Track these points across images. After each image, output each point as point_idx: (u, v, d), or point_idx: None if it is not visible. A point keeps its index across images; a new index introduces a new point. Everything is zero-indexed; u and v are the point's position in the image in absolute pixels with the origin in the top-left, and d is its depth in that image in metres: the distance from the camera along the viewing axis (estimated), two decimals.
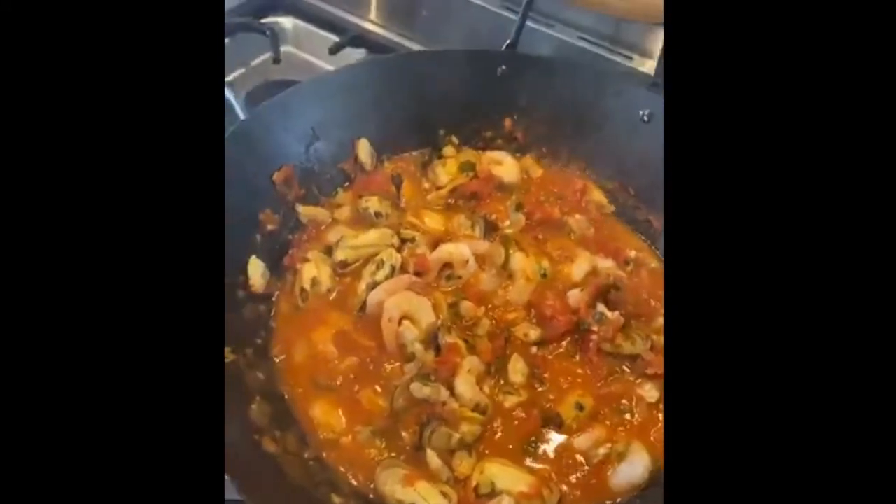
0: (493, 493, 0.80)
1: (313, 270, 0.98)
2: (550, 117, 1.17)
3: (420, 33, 1.64)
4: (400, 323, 0.93)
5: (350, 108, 1.10)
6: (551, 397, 0.91)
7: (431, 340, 0.92)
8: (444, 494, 0.79)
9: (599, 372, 0.93)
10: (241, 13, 1.61)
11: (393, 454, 0.84)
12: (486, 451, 0.85)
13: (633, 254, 1.08)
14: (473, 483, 0.81)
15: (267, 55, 1.64)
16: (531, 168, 1.18)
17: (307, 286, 0.97)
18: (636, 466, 0.84)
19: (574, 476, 0.84)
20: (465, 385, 0.88)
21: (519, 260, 1.02)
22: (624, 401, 0.91)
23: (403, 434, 0.85)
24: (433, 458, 0.81)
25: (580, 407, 0.89)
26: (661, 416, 0.90)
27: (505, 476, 0.81)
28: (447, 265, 1.01)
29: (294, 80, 1.55)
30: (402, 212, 1.09)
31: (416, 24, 1.65)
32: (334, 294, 0.99)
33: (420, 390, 0.85)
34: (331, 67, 1.61)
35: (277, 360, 0.92)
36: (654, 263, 1.08)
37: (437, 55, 1.19)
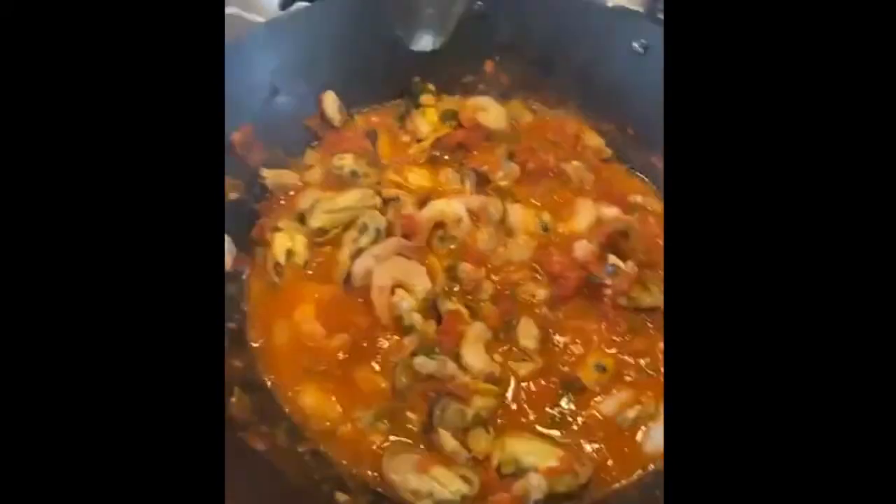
0: (519, 471, 0.71)
1: (287, 241, 0.86)
2: (536, 57, 1.06)
3: None
4: (393, 292, 0.83)
5: (310, 55, 0.97)
6: (569, 360, 0.82)
7: (430, 309, 0.82)
8: (465, 478, 0.70)
9: (618, 328, 0.84)
10: None
11: (400, 438, 0.74)
12: (504, 426, 0.76)
13: (637, 198, 0.99)
14: (495, 462, 0.72)
15: None
16: (519, 113, 1.07)
17: (281, 259, 0.86)
18: None
19: (604, 444, 0.76)
20: (473, 355, 0.79)
21: (517, 213, 0.93)
22: (648, 357, 0.82)
23: (410, 415, 0.75)
24: (447, 439, 0.71)
25: (601, 368, 0.81)
26: None
27: (529, 451, 0.73)
28: (439, 225, 0.91)
29: None
30: (382, 169, 0.97)
31: None
32: (313, 266, 0.87)
33: (425, 365, 0.76)
34: None
35: (256, 346, 0.80)
36: (661, 207, 0.99)
37: None
